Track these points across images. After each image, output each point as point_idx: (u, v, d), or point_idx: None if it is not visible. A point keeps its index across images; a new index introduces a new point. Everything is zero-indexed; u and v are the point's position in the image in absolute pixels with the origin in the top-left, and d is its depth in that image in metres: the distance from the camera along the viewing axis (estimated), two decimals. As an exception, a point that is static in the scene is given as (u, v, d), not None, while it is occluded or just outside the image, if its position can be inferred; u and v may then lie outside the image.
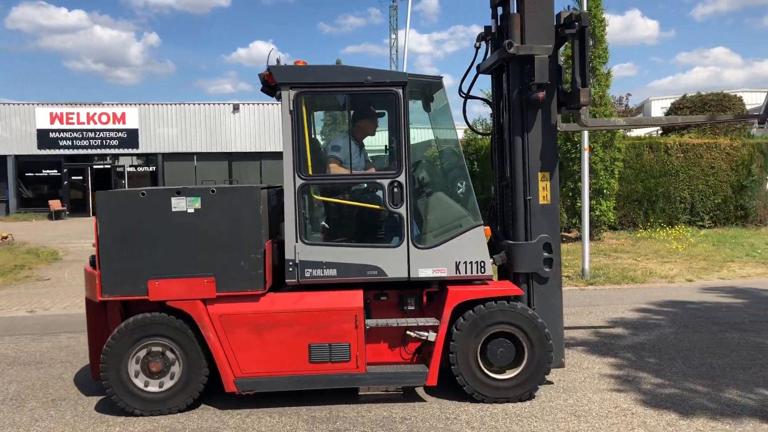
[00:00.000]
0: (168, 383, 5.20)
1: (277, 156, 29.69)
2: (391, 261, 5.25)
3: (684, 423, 4.85)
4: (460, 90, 6.16)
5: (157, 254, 5.08)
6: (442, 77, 5.55)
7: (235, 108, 30.73)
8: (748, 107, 29.49)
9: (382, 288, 5.46)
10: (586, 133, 11.58)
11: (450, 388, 5.43)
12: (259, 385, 5.20)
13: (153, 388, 5.18)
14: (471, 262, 5.32)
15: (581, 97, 5.43)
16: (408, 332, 5.36)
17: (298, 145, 5.23)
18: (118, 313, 5.46)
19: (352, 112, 5.73)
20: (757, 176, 18.55)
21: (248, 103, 31.33)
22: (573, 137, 15.52)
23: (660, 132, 26.39)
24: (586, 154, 11.61)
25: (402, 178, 5.22)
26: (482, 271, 5.34)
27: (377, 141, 6.24)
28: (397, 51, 32.56)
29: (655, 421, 4.89)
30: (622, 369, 6.19)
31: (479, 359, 5.25)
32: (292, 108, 5.21)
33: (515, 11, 5.62)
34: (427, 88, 5.66)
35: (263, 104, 30.45)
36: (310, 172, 5.30)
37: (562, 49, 5.94)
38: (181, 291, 5.07)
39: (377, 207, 5.41)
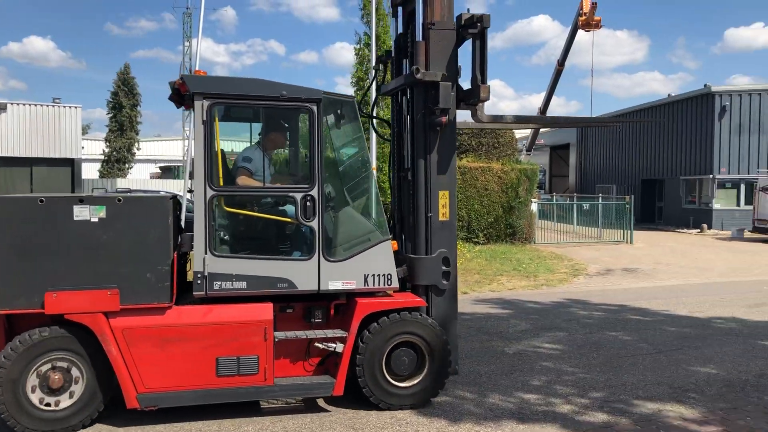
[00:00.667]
0: (67, 401, 4.92)
1: (52, 162, 27.25)
2: (302, 274, 5.30)
3: (452, 428, 5.17)
4: (361, 111, 6.28)
5: (56, 265, 4.82)
6: (354, 96, 5.76)
7: (2, 108, 27.61)
8: (517, 137, 32.65)
9: (290, 300, 5.45)
10: (374, 152, 12.02)
11: (347, 397, 5.59)
12: (163, 400, 5.05)
13: (51, 406, 4.89)
14: (379, 275, 5.49)
15: (481, 93, 5.71)
16: (315, 344, 5.44)
17: (210, 156, 5.15)
18: (2, 328, 5.01)
19: (264, 124, 5.79)
20: (524, 198, 20.57)
21: (17, 103, 28.31)
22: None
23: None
24: (373, 173, 12.01)
25: (314, 192, 5.30)
26: (389, 283, 5.54)
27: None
28: (191, 59, 31.32)
29: (427, 429, 5.16)
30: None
31: (384, 369, 5.46)
32: (205, 118, 5.15)
33: (420, 39, 5.91)
34: (340, 106, 5.73)
35: (35, 105, 27.66)
36: (222, 184, 5.25)
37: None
38: (82, 303, 4.85)
39: (289, 220, 5.45)
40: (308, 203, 5.27)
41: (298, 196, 5.29)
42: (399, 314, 5.49)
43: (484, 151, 25.11)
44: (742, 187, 27.81)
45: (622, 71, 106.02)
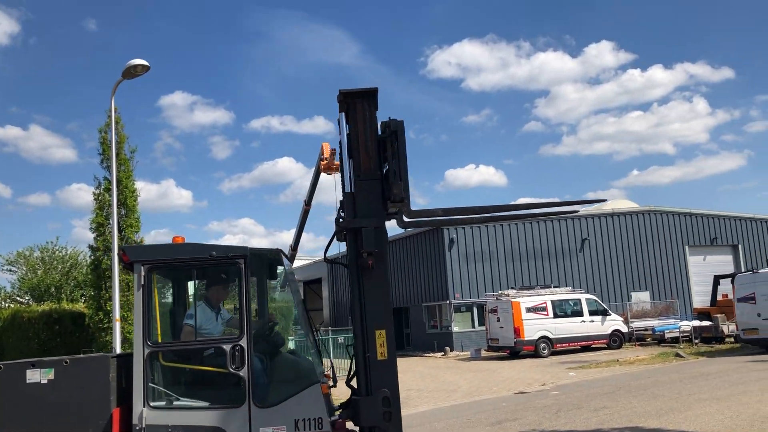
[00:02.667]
0: None
1: None
2: (234, 421, 5.42)
3: None
4: (325, 257, 6.47)
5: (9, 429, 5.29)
6: (279, 249, 6.02)
7: None
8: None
9: None
10: (117, 303, 11.28)
11: None
12: None
13: None
14: (309, 419, 5.48)
15: (393, 190, 5.94)
16: None
17: (148, 315, 5.58)
18: None
19: (204, 282, 6.11)
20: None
21: None
22: (105, 306, 14.96)
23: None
24: (117, 325, 11.24)
25: (243, 342, 5.50)
26: (320, 427, 5.48)
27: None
28: None
29: None
30: None
31: None
32: (143, 282, 5.62)
33: (350, 189, 6.10)
34: (267, 259, 6.00)
35: None
36: (159, 340, 5.72)
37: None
38: None
39: (221, 370, 5.57)
40: (237, 353, 5.49)
41: (228, 347, 5.51)
42: None
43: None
44: (475, 310, 30.77)
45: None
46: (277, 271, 6.24)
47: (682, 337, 25.45)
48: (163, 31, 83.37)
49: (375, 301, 5.92)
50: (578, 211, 6.88)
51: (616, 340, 26.18)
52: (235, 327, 6.02)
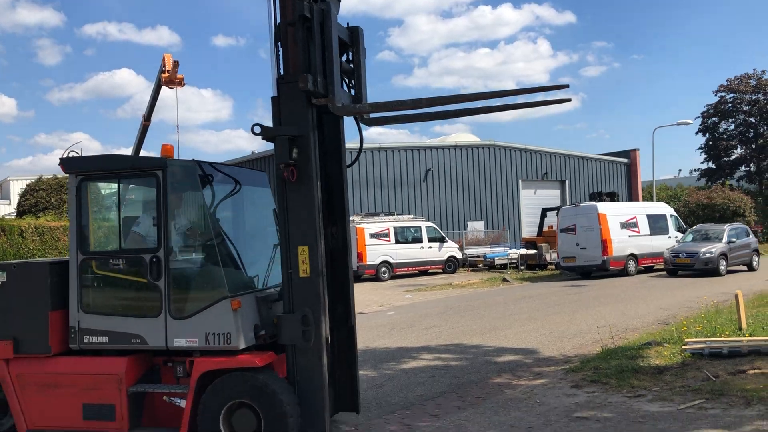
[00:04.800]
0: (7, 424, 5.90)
1: None
2: (152, 331, 5.70)
3: None
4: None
5: None
6: (194, 160, 6.01)
7: None
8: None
9: (159, 355, 5.87)
10: None
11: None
12: None
13: None
14: (218, 334, 5.53)
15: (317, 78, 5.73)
16: (164, 398, 5.83)
17: (80, 225, 5.95)
18: None
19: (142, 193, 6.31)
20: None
21: None
22: None
23: (13, 214, 25.26)
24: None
25: (161, 254, 5.70)
26: (228, 342, 5.50)
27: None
28: None
29: None
30: None
31: (223, 427, 5.47)
32: (75, 192, 5.97)
33: (275, 94, 5.77)
34: (184, 170, 5.93)
35: None
36: (91, 249, 6.05)
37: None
38: None
39: (142, 280, 5.82)
40: (154, 264, 5.67)
41: (147, 257, 5.72)
42: (232, 375, 5.49)
43: (67, 209, 23.18)
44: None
45: (210, 128, 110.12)
46: (198, 182, 5.99)
47: (510, 263, 27.37)
48: None
49: (297, 216, 5.73)
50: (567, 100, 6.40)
51: (451, 266, 27.62)
52: (147, 240, 6.16)
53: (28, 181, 32.95)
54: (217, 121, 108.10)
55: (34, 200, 27.20)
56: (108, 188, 6.55)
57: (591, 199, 26.53)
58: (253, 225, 7.11)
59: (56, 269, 6.04)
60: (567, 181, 38.12)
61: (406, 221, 27.51)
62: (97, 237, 6.28)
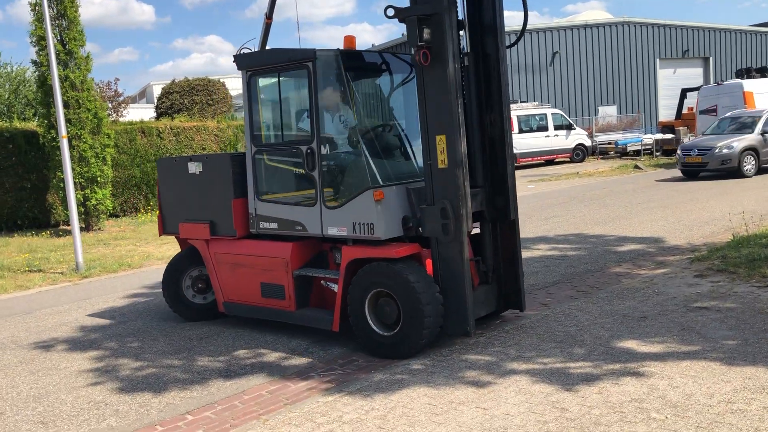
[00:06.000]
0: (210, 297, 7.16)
1: None
2: (310, 219, 5.98)
3: (156, 400, 5.02)
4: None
5: (181, 203, 7.05)
6: (338, 49, 5.87)
7: None
8: (231, 93, 32.13)
9: (326, 242, 6.12)
10: (62, 120, 10.91)
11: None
12: (231, 309, 6.79)
13: (198, 300, 7.24)
14: (363, 224, 5.61)
15: None
16: (321, 282, 6.19)
17: (252, 119, 6.38)
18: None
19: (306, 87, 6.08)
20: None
21: None
22: (56, 124, 14.51)
23: (154, 117, 26.81)
24: (64, 142, 10.97)
25: (314, 145, 5.83)
26: (371, 232, 5.56)
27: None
28: None
29: (128, 407, 4.93)
30: (102, 360, 6.10)
31: (368, 314, 5.59)
32: (246, 88, 6.32)
33: None
34: (338, 59, 5.79)
35: None
36: (263, 142, 6.47)
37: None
38: (191, 233, 6.99)
39: (301, 171, 6.06)
40: (309, 155, 5.84)
41: (304, 148, 5.90)
42: (373, 264, 5.55)
43: (198, 110, 24.32)
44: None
45: (334, 23, 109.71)
46: (343, 72, 5.84)
47: (644, 150, 25.88)
48: None
49: (434, 102, 5.41)
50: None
51: (579, 154, 26.56)
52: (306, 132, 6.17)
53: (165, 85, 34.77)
54: (341, 16, 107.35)
55: (169, 102, 28.75)
56: (271, 82, 6.61)
57: (737, 77, 24.12)
58: (405, 113, 6.80)
59: (237, 160, 6.53)
60: (711, 58, 34.91)
61: (530, 109, 26.51)
62: (267, 130, 6.61)
